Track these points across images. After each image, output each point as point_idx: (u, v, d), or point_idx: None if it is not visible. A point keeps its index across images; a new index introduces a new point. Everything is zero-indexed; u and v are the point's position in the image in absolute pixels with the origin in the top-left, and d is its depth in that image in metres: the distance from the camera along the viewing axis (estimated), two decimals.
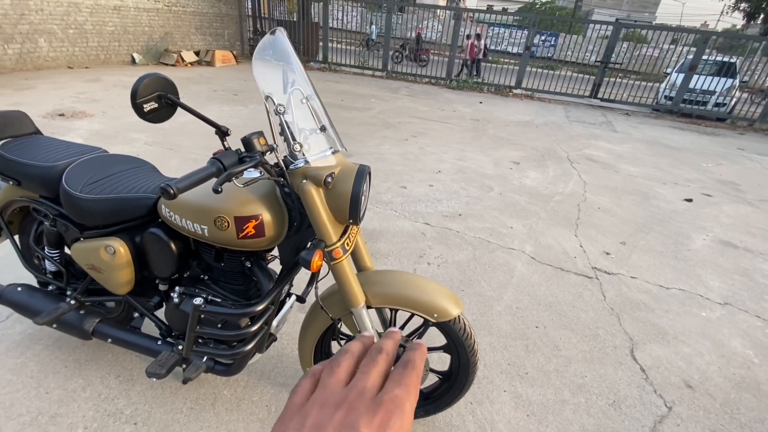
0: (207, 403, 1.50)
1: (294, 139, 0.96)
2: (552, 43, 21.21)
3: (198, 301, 1.13)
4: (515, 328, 2.07)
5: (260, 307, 1.11)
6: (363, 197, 1.09)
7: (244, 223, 1.07)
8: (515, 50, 15.81)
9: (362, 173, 1.07)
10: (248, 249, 1.15)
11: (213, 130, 1.13)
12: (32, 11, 6.87)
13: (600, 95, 10.14)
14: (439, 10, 16.92)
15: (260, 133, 0.99)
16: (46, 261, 1.49)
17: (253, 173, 1.03)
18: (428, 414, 1.47)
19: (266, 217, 1.09)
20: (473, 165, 4.59)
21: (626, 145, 6.34)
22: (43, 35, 7.10)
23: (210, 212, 1.08)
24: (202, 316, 1.15)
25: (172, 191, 0.79)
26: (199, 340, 1.28)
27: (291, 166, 1.04)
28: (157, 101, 0.92)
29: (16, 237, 1.57)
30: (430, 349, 1.37)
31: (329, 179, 1.03)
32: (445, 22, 12.81)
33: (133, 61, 8.73)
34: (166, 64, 9.23)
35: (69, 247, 1.36)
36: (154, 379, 1.39)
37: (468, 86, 10.57)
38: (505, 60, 14.95)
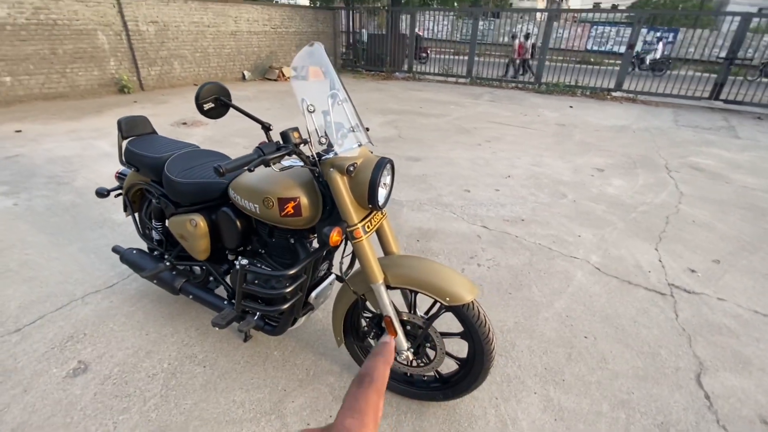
0: (260, 359, 1.78)
1: (319, 134, 1.15)
2: (670, 39, 18.75)
3: (244, 261, 1.39)
4: (560, 336, 1.99)
5: (292, 272, 1.32)
6: (382, 186, 1.24)
7: (285, 204, 1.29)
8: (621, 50, 14.39)
9: (381, 164, 1.21)
10: (289, 227, 1.37)
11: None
12: (170, 39, 8.43)
13: (723, 97, 8.71)
14: (538, 13, 16.14)
15: (296, 129, 1.21)
16: (153, 231, 1.92)
17: (290, 161, 1.24)
18: (447, 398, 1.54)
19: (303, 200, 1.30)
20: (548, 171, 4.38)
21: (748, 153, 5.39)
22: (177, 59, 8.65)
23: (260, 193, 1.33)
24: (247, 274, 1.40)
25: (221, 170, 1.03)
26: (248, 299, 1.54)
27: (323, 157, 1.24)
28: (214, 102, 1.18)
29: (136, 214, 2.05)
30: (448, 335, 1.45)
31: (351, 168, 1.20)
32: (541, 24, 12.25)
33: (244, 77, 10.08)
34: (270, 79, 10.45)
35: (167, 221, 1.75)
36: (217, 329, 1.70)
37: (559, 90, 9.95)
38: (610, 61, 13.70)
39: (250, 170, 1.05)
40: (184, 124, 5.72)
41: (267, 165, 1.13)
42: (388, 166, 1.27)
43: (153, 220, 1.88)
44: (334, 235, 1.19)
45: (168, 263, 1.81)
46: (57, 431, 1.45)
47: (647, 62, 13.87)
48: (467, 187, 3.87)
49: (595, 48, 15.21)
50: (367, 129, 1.53)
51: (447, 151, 4.99)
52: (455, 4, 13.95)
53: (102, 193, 1.96)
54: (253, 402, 1.59)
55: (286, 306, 1.41)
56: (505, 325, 2.05)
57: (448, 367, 1.60)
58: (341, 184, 1.22)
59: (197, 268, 1.91)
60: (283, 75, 10.44)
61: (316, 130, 1.14)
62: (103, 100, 7.26)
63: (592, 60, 12.95)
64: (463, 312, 1.32)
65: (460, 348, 1.74)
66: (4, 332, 1.90)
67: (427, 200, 3.54)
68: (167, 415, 1.52)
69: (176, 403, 1.57)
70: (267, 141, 1.18)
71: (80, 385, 1.63)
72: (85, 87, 7.47)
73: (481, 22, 16.52)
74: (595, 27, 18.10)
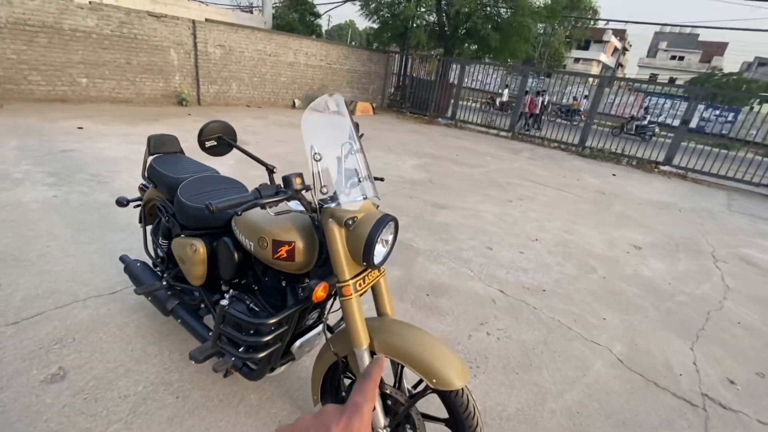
0: (234, 400, 1.68)
1: (322, 183, 1.11)
2: (729, 118, 18.12)
3: (224, 302, 1.33)
4: None
5: (272, 320, 1.25)
6: (381, 243, 1.16)
7: (279, 246, 1.24)
8: (675, 123, 14.01)
9: (382, 221, 1.14)
10: (281, 269, 1.31)
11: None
12: (233, 62, 9.08)
13: None
14: (591, 78, 16.16)
15: (299, 174, 1.17)
16: (158, 248, 1.92)
17: (292, 206, 1.20)
18: None
19: (299, 245, 1.24)
20: (580, 240, 4.16)
21: None
22: (235, 81, 9.26)
23: (257, 232, 1.29)
24: (226, 317, 1.33)
25: (212, 208, 1.00)
26: (225, 341, 1.47)
27: (324, 206, 1.19)
28: (216, 140, 1.18)
29: (149, 227, 2.08)
30: (431, 418, 1.30)
31: (350, 221, 1.14)
32: (593, 88, 12.23)
33: (293, 105, 10.60)
34: (318, 111, 10.93)
35: (170, 242, 1.75)
36: (193, 362, 1.62)
37: (603, 156, 9.71)
38: (663, 133, 13.36)
39: (237, 213, 1.01)
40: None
41: (263, 208, 1.09)
42: (391, 224, 1.20)
43: (160, 238, 1.89)
44: (319, 291, 1.11)
45: (165, 282, 1.79)
46: None
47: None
48: (490, 244, 3.72)
49: (649, 119, 14.85)
50: (382, 179, 1.48)
51: (476, 203, 4.88)
52: (508, 61, 14.25)
53: (122, 203, 2.01)
54: None
55: (262, 355, 1.32)
56: (504, 411, 1.85)
57: None
58: (338, 237, 1.15)
59: (195, 292, 1.88)
60: (328, 107, 10.88)
61: (320, 178, 1.10)
62: (162, 109, 7.81)
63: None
64: (450, 398, 1.18)
65: None
66: (2, 323, 1.92)
67: (445, 252, 3.41)
68: None
69: None
70: (268, 183, 1.15)
71: (53, 394, 1.59)
72: (148, 96, 8.10)
73: (532, 80, 16.76)
74: (649, 97, 17.83)
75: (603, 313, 2.81)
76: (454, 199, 4.89)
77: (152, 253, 2.02)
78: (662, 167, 9.25)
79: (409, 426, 1.31)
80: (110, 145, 4.99)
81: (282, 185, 1.15)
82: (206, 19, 8.78)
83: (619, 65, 48.34)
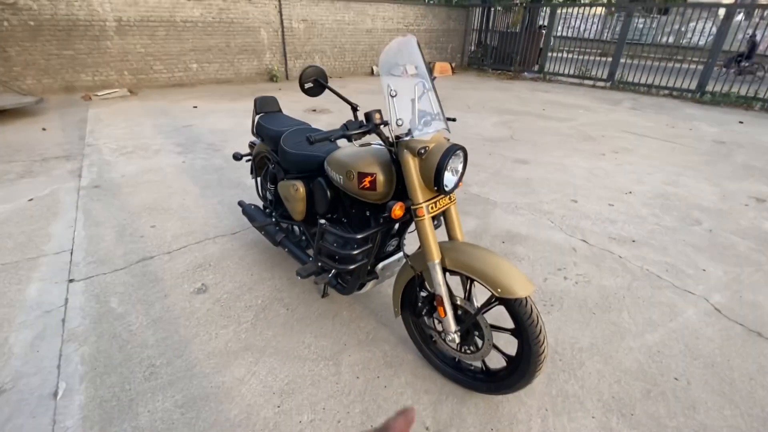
0: (330, 315, 2.02)
1: (397, 117, 1.28)
2: None
3: (323, 221, 1.62)
4: (643, 369, 1.77)
5: (360, 236, 1.49)
6: (450, 171, 1.31)
7: (363, 178, 1.46)
8: None
9: (451, 150, 1.28)
10: (366, 199, 1.54)
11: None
12: (315, 36, 9.50)
13: None
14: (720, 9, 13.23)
15: (378, 111, 1.35)
16: (267, 192, 2.32)
17: (372, 140, 1.40)
18: (490, 392, 1.54)
19: (379, 176, 1.45)
20: (685, 193, 3.74)
21: None
22: (318, 53, 9.71)
23: (345, 167, 1.53)
24: (325, 233, 1.63)
25: (311, 139, 1.24)
26: (324, 255, 1.76)
27: (400, 139, 1.36)
28: (313, 83, 1.40)
29: (258, 178, 2.49)
30: (498, 328, 1.45)
31: (422, 151, 1.30)
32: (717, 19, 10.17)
33: (372, 72, 10.79)
34: (395, 75, 10.95)
35: (277, 185, 2.10)
36: (299, 278, 1.98)
37: (729, 101, 8.20)
38: None
39: (331, 140, 1.24)
40: (314, 111, 6.46)
41: (349, 139, 1.31)
42: (460, 153, 1.33)
43: (268, 183, 2.27)
44: (397, 209, 1.31)
45: (274, 219, 2.18)
46: (179, 329, 1.91)
47: None
48: (575, 197, 3.57)
49: None
50: (454, 119, 1.60)
51: (561, 157, 4.63)
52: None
53: (237, 157, 2.43)
54: (318, 347, 1.83)
55: (353, 266, 1.59)
56: (577, 343, 1.91)
57: (497, 362, 1.59)
58: (412, 165, 1.33)
59: (296, 228, 2.24)
60: (407, 71, 10.82)
61: (396, 113, 1.27)
62: (257, 86, 8.61)
63: None
64: (514, 307, 1.32)
65: (511, 346, 1.71)
66: (161, 252, 2.52)
67: (524, 204, 3.39)
68: (252, 338, 1.86)
69: (260, 331, 1.91)
70: (353, 119, 1.36)
71: (199, 301, 2.10)
72: (245, 75, 8.97)
73: (641, 19, 14.43)
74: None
75: (703, 265, 2.60)
76: (538, 155, 4.69)
77: (263, 198, 2.43)
78: None
79: (477, 334, 1.48)
80: (219, 120, 5.76)
81: (364, 120, 1.35)
82: None
83: None
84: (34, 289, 2.15)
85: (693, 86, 8.79)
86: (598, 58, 10.67)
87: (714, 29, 11.93)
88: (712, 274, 2.51)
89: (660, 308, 2.17)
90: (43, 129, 5.09)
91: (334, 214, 1.86)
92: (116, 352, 1.76)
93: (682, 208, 3.41)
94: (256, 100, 2.28)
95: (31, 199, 3.17)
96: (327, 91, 1.42)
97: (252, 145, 2.46)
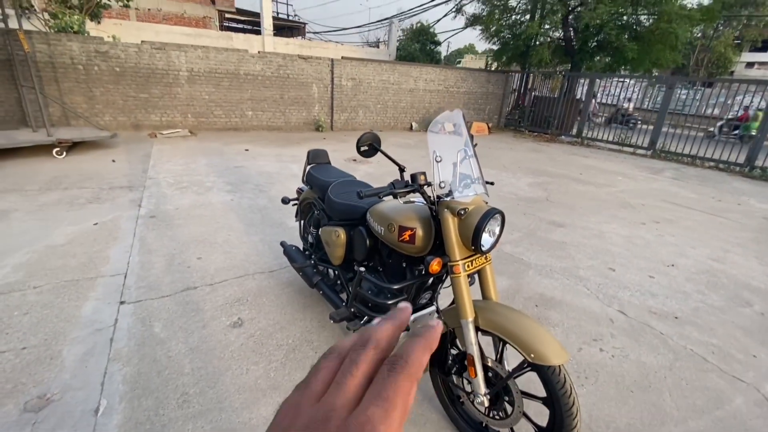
0: None
1: (441, 180, 1.39)
2: None
3: (362, 268, 1.70)
4: None
5: (396, 286, 1.56)
6: (488, 233, 1.39)
7: (403, 231, 1.56)
8: None
9: (489, 213, 1.37)
10: (404, 252, 1.63)
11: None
12: (361, 92, 10.24)
13: None
14: None
15: (423, 173, 1.48)
16: (309, 236, 2.46)
17: (416, 199, 1.51)
18: None
19: (419, 231, 1.54)
20: (733, 271, 3.56)
21: None
22: (362, 108, 10.40)
23: (387, 219, 1.64)
24: (362, 281, 1.70)
25: (361, 194, 1.37)
26: (359, 302, 1.83)
27: (441, 199, 1.47)
28: (368, 146, 1.56)
29: (302, 221, 2.65)
30: (529, 396, 1.43)
31: (462, 212, 1.39)
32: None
33: (411, 127, 11.33)
34: (434, 132, 11.44)
35: (319, 230, 2.24)
36: (332, 322, 2.03)
37: None
38: None
39: (380, 198, 1.36)
40: (354, 161, 6.82)
41: (395, 197, 1.43)
42: (498, 216, 1.41)
43: (311, 227, 2.41)
44: (434, 264, 1.38)
45: (312, 262, 2.29)
46: (213, 360, 1.99)
47: None
48: (613, 265, 3.48)
49: None
50: (492, 183, 1.70)
51: (599, 223, 4.57)
52: (653, 72, 12.61)
53: (285, 201, 2.62)
54: None
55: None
56: (614, 422, 1.81)
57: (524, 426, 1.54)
58: (451, 224, 1.42)
59: (332, 271, 2.34)
60: (444, 129, 11.27)
61: (440, 176, 1.39)
62: (303, 134, 9.25)
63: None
64: (547, 375, 1.31)
65: (542, 417, 1.65)
66: (204, 284, 2.68)
67: (559, 269, 3.34)
68: (281, 378, 1.90)
69: (289, 372, 1.95)
70: (399, 179, 1.49)
71: (235, 335, 2.19)
72: (294, 123, 9.68)
73: (684, 90, 14.51)
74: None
75: (754, 350, 2.42)
76: (574, 219, 4.66)
77: (305, 240, 2.58)
78: None
79: (507, 399, 1.46)
80: (267, 163, 6.19)
81: (410, 181, 1.48)
82: (342, 57, 10.15)
83: None
84: (89, 307, 2.33)
85: (741, 159, 8.56)
86: (640, 126, 10.70)
87: (763, 104, 11.74)
88: (764, 361, 2.33)
89: (705, 393, 2.03)
90: (113, 161, 5.68)
91: (370, 262, 1.95)
92: (155, 376, 1.85)
93: (731, 287, 3.23)
94: (309, 153, 2.50)
95: (96, 224, 3.50)
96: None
97: (300, 191, 2.65)
